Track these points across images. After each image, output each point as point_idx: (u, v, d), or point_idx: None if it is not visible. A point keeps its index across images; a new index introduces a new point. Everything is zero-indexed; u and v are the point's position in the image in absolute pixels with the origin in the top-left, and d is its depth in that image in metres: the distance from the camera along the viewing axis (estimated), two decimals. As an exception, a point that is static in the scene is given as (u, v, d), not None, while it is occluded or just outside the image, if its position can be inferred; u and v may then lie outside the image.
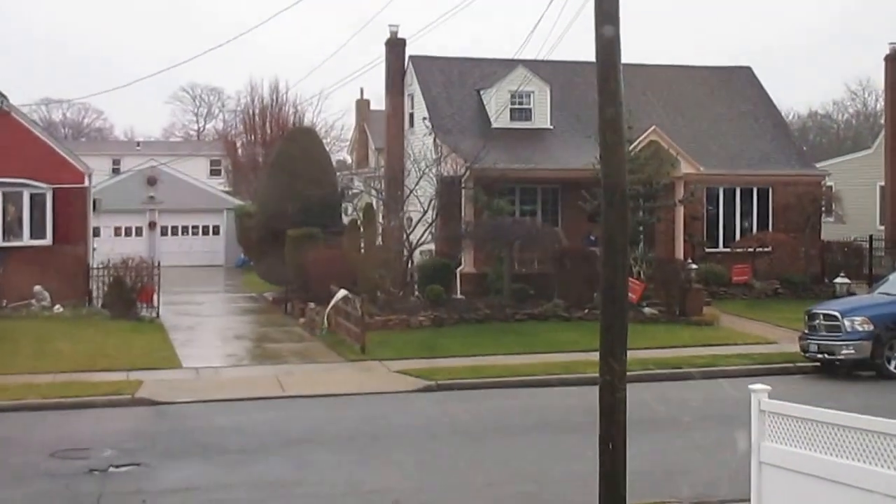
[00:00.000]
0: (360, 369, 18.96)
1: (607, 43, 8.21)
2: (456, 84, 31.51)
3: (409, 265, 26.20)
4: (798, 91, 77.19)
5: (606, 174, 8.40)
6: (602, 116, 8.38)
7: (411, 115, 31.91)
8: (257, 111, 48.40)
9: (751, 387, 9.03)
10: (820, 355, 18.73)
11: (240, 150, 50.29)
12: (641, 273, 25.29)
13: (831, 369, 18.85)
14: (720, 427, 13.74)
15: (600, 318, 8.49)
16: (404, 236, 26.13)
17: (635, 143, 26.59)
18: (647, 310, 24.61)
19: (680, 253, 28.11)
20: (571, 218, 27.91)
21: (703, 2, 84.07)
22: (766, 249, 29.97)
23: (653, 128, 27.92)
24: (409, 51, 31.82)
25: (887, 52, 35.46)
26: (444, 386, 17.36)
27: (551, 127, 30.32)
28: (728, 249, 30.37)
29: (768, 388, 8.95)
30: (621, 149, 8.32)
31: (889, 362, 18.18)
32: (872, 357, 18.19)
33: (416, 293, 25.55)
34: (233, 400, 16.17)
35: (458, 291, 26.35)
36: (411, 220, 26.71)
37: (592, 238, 26.16)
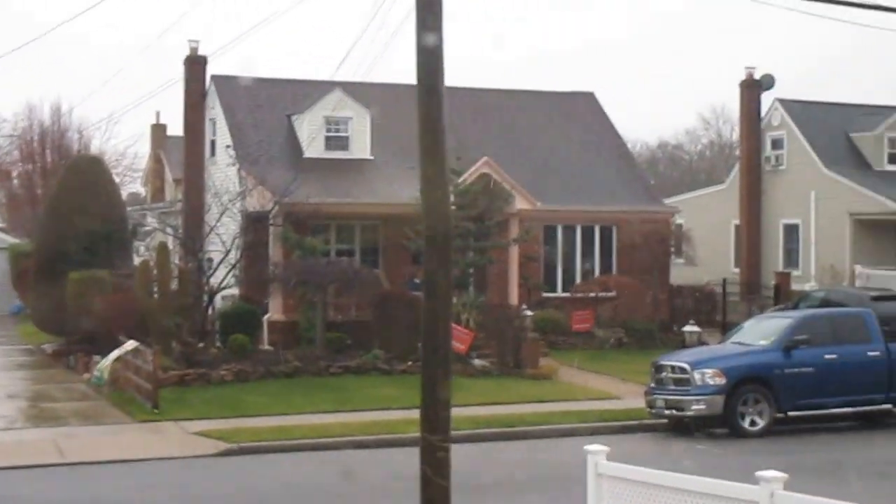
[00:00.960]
0: (152, 431, 18.64)
1: (430, 55, 8.31)
2: (265, 108, 31.27)
3: (210, 312, 25.87)
4: (646, 119, 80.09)
5: (427, 210, 8.51)
6: (422, 144, 8.50)
7: (213, 143, 31.59)
8: (36, 136, 46.50)
9: (587, 448, 9.22)
10: (668, 411, 19.47)
11: (16, 181, 48.15)
12: (471, 321, 25.61)
13: (681, 427, 19.66)
14: (555, 492, 14.15)
15: (421, 371, 8.54)
16: (203, 279, 25.69)
17: (465, 176, 26.98)
18: (477, 362, 24.95)
19: (514, 298, 28.68)
20: (394, 259, 28.07)
21: (542, 21, 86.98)
22: (609, 294, 30.91)
23: (485, 159, 28.44)
24: (212, 69, 31.57)
25: (743, 77, 37.23)
26: (247, 449, 17.24)
27: (372, 157, 30.48)
28: (568, 294, 31.20)
29: (606, 448, 9.15)
30: (444, 182, 8.45)
31: (743, 418, 19.05)
32: (725, 413, 18.99)
33: (218, 344, 25.21)
34: (2, 469, 15.58)
35: (266, 341, 26.09)
36: (212, 260, 26.22)
37: (417, 281, 26.21)
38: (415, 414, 8.58)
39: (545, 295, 31.04)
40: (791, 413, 19.52)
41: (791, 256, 36.70)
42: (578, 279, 31.65)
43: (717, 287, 33.75)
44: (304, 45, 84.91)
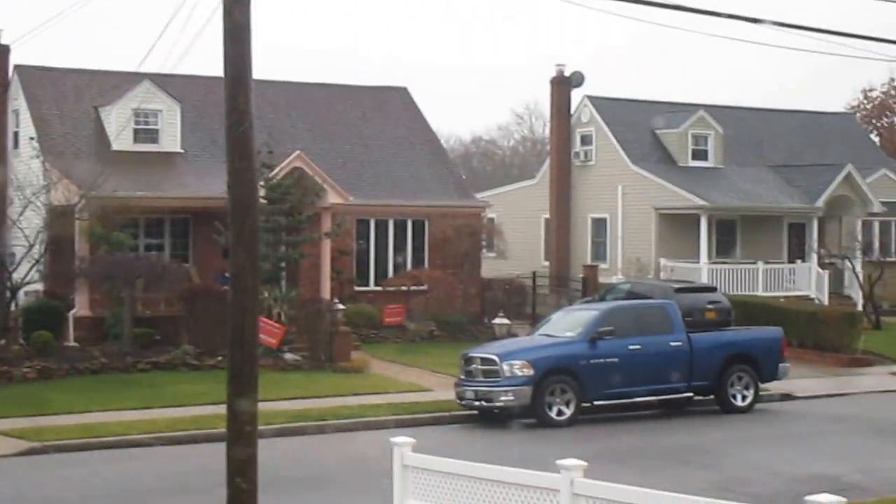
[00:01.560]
0: (-55, 434, 17.60)
1: (237, 44, 8.17)
2: (70, 99, 30.35)
3: (13, 308, 25.00)
4: (460, 115, 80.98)
5: (234, 204, 8.39)
6: (229, 137, 8.37)
7: (16, 135, 30.50)
8: None
9: (393, 440, 9.30)
10: (477, 403, 19.74)
11: None
12: (282, 315, 25.42)
13: (490, 418, 19.99)
14: (363, 484, 14.20)
15: (227, 364, 8.43)
16: (5, 274, 24.65)
17: (277, 170, 26.76)
18: (288, 356, 24.81)
19: (326, 292, 28.63)
20: (205, 253, 27.60)
21: (355, 16, 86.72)
22: (421, 288, 31.24)
23: (297, 153, 28.29)
24: (16, 59, 30.39)
25: (553, 74, 38.22)
26: (52, 448, 16.65)
27: (182, 150, 29.89)
28: (380, 288, 31.35)
29: (411, 440, 9.26)
30: (252, 176, 8.35)
31: (550, 409, 19.48)
32: (533, 403, 19.38)
33: (21, 340, 24.22)
34: None
35: (72, 338, 25.23)
36: (14, 255, 25.15)
37: (227, 275, 25.70)
38: (224, 409, 8.45)
39: (357, 289, 31.13)
40: (597, 402, 20.05)
41: (599, 250, 37.84)
42: (391, 273, 31.83)
43: (527, 280, 34.45)
44: (113, 37, 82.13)
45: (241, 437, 8.19)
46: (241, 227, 8.37)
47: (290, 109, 33.43)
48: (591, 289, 32.86)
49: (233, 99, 8.29)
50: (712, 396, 21.30)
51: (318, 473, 15.30)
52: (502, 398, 19.40)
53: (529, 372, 19.45)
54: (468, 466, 8.52)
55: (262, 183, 25.18)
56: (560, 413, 19.51)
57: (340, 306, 27.31)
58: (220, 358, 23.17)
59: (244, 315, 8.35)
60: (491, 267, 35.43)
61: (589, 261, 37.23)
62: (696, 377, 20.80)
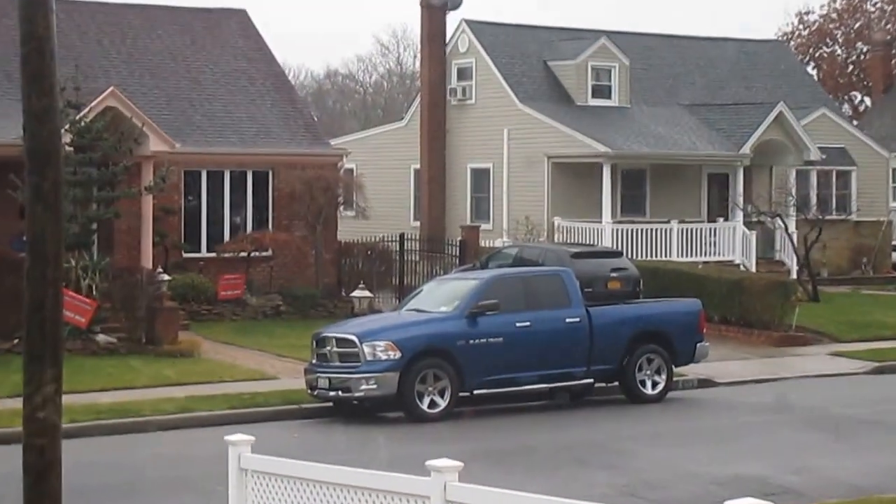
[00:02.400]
0: None
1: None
2: None
3: None
4: (312, 44, 79.58)
5: (32, 152, 8.36)
6: (25, 70, 8.32)
7: None
8: None
9: (228, 438, 9.42)
10: (333, 393, 19.98)
11: None
12: (94, 287, 25.23)
13: (348, 411, 20.32)
14: (192, 493, 14.31)
15: (24, 349, 8.45)
16: None
17: (86, 111, 26.44)
18: (101, 337, 24.74)
19: (148, 260, 28.55)
20: (-3, 212, 27.15)
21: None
22: (264, 254, 31.46)
23: (110, 89, 28.08)
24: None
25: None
26: None
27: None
28: (214, 254, 31.39)
29: (251, 438, 9.40)
30: (53, 117, 8.32)
31: (421, 399, 19.78)
32: (400, 393, 19.68)
33: None
34: None
35: None
36: None
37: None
38: (21, 404, 8.47)
39: (186, 256, 31.14)
40: (478, 391, 20.48)
41: (480, 207, 38.51)
42: (227, 236, 31.87)
43: (393, 244, 34.93)
44: None
45: (40, 437, 8.19)
46: (41, 180, 8.33)
47: (102, 37, 33.11)
48: (471, 254, 33.30)
49: (29, 23, 8.20)
50: (616, 383, 21.89)
51: (136, 480, 15.36)
52: (362, 387, 19.64)
53: (395, 355, 19.74)
54: (320, 470, 8.63)
55: (67, 126, 24.86)
56: (433, 405, 19.87)
57: (165, 277, 27.24)
58: (16, 341, 22.92)
59: (45, 288, 8.33)
60: (350, 228, 35.75)
61: (468, 221, 37.79)
62: (598, 360, 21.32)
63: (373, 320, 22.17)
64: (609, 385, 22.04)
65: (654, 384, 21.85)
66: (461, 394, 20.24)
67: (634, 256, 32.24)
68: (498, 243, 34.25)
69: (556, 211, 36.07)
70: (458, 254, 34.20)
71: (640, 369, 21.78)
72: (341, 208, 34.38)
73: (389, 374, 19.67)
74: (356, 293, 28.78)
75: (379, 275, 33.31)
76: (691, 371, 23.56)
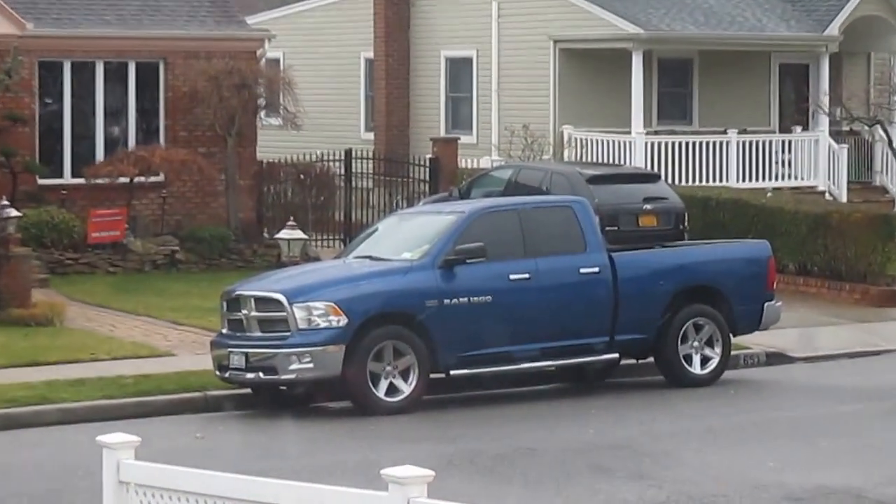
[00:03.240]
0: None
1: None
2: None
3: None
4: None
5: None
6: None
7: None
8: None
9: (102, 439, 9.34)
10: (251, 375, 19.96)
11: None
12: None
13: (277, 399, 20.47)
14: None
15: None
16: None
17: None
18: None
19: (-11, 188, 28.49)
20: None
21: None
22: (155, 179, 31.54)
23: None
24: None
25: None
26: None
27: None
28: (82, 180, 31.47)
29: (135, 439, 9.33)
30: None
31: (377, 384, 19.68)
32: (348, 376, 19.63)
33: None
34: None
35: None
36: None
37: None
38: None
39: (42, 182, 31.20)
40: (457, 372, 20.47)
41: (460, 112, 38.61)
42: (101, 155, 31.88)
43: (336, 165, 34.95)
44: None
45: None
46: None
47: None
48: (446, 179, 33.29)
49: None
50: (651, 359, 22.00)
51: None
52: (293, 366, 19.64)
53: (339, 321, 19.72)
54: (231, 482, 8.66)
55: None
56: (393, 391, 19.86)
57: (12, 213, 27.02)
58: None
59: None
60: (275, 143, 35.83)
61: (442, 131, 37.90)
62: (625, 327, 21.34)
63: (308, 272, 22.18)
64: (641, 362, 22.18)
65: (705, 360, 21.91)
66: (433, 375, 20.23)
67: (676, 181, 32.26)
68: (484, 163, 34.23)
69: (565, 117, 36.09)
70: (427, 178, 34.09)
71: (685, 340, 21.80)
72: (262, 114, 34.38)
73: (331, 349, 19.64)
74: (284, 234, 28.44)
75: (316, 208, 33.43)
76: (757, 341, 23.64)
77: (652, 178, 26.74)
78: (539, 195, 24.45)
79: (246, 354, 19.88)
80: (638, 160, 33.84)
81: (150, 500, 8.97)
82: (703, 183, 34.14)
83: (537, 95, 36.47)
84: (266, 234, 31.85)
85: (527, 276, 20.81)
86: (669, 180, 29.68)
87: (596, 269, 21.26)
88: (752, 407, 20.78)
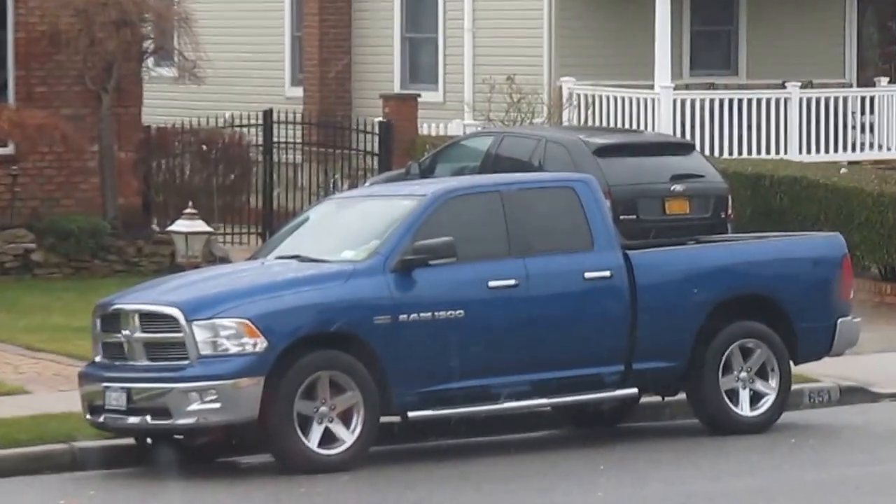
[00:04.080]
0: None
1: None
2: None
3: None
4: None
5: None
6: None
7: None
8: None
9: None
10: (135, 419, 19.91)
11: None
12: None
13: (168, 453, 20.23)
14: None
15: None
16: None
17: None
18: None
19: None
20: None
21: None
22: (1, 151, 31.76)
23: None
24: None
25: None
26: None
27: None
28: None
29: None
30: None
31: (307, 430, 19.68)
32: (267, 419, 19.58)
33: None
34: None
35: None
36: None
37: None
38: None
39: None
40: (416, 414, 20.41)
41: (420, 61, 39.05)
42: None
43: (252, 131, 35.44)
44: None
45: None
46: None
47: None
48: (402, 150, 33.31)
49: None
50: (682, 396, 22.09)
51: None
52: (193, 408, 19.55)
53: (257, 344, 19.66)
54: None
55: None
56: (331, 440, 19.84)
57: None
58: None
59: None
60: (168, 101, 36.50)
61: (397, 86, 38.29)
62: (646, 352, 21.39)
63: (213, 279, 21.93)
64: (668, 400, 22.38)
65: (756, 397, 21.93)
66: (384, 419, 20.28)
67: (716, 153, 32.26)
68: (454, 129, 34.29)
69: (564, 66, 36.26)
70: (375, 149, 34.06)
71: (729, 369, 21.84)
72: (150, 62, 34.55)
73: (245, 383, 19.57)
74: (180, 225, 28.41)
75: (225, 190, 33.66)
76: (827, 371, 23.77)
77: (683, 148, 26.72)
78: (529, 172, 24.31)
79: (128, 391, 19.78)
80: (664, 124, 33.89)
81: None
82: (754, 155, 34.15)
83: (526, 36, 36.51)
84: (156, 227, 31.80)
85: (512, 282, 20.82)
86: (706, 151, 29.65)
87: (606, 274, 21.30)
88: (821, 461, 20.67)
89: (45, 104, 31.92)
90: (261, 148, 34.46)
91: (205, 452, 20.52)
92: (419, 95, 36.20)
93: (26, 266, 30.38)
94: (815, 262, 22.72)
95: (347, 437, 19.84)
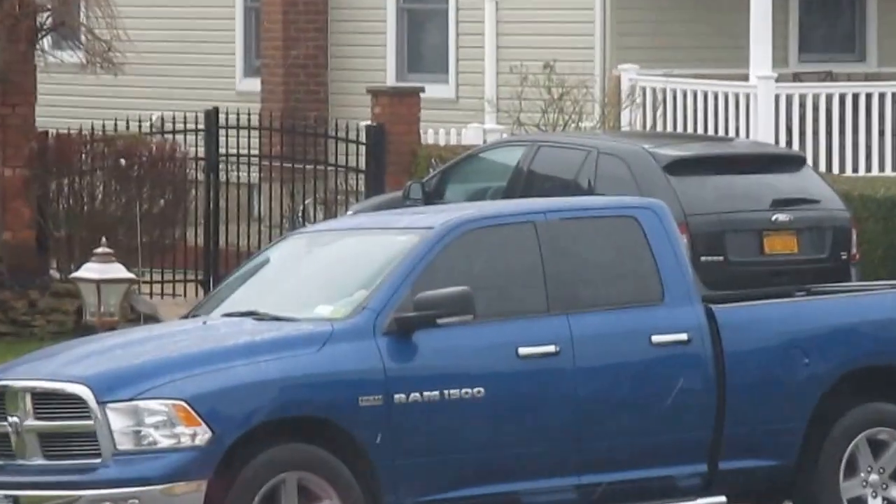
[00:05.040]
0: None
1: None
2: None
3: None
4: None
5: None
6: None
7: None
8: None
9: None
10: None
11: None
12: None
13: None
14: None
15: None
16: None
17: None
18: None
19: None
20: None
21: None
22: None
23: None
24: None
25: None
26: None
27: None
28: None
29: None
30: None
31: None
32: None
33: None
34: None
35: None
36: None
37: None
38: None
39: None
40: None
41: (423, 43, 39.31)
42: None
43: (191, 139, 36.24)
44: None
45: None
46: None
47: None
48: (399, 165, 33.48)
49: None
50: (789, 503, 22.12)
51: None
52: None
53: (197, 435, 19.58)
54: None
55: None
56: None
57: None
58: None
59: None
60: (73, 97, 37.29)
61: (391, 77, 38.81)
62: (738, 445, 21.49)
63: (134, 344, 21.77)
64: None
65: (893, 509, 22.00)
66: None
67: (835, 169, 32.34)
68: (471, 136, 34.49)
69: (624, 49, 36.44)
70: (361, 164, 34.24)
71: (853, 470, 21.86)
72: (46, 43, 34.82)
73: (180, 489, 19.49)
74: (89, 269, 28.66)
75: (152, 221, 33.81)
76: None
77: (789, 162, 26.78)
78: (575, 196, 24.41)
79: (16, 501, 19.93)
80: (762, 128, 34.06)
81: None
82: (888, 172, 34.30)
83: (572, 7, 36.74)
84: (55, 272, 31.85)
85: (552, 349, 20.82)
86: (822, 167, 29.75)
87: (682, 337, 21.36)
88: None
89: None
90: (202, 163, 34.62)
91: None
92: (422, 90, 36.33)
93: None
94: None
95: (323, 566, 20.05)
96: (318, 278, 21.62)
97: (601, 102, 35.55)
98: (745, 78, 34.83)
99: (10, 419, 19.93)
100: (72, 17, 34.37)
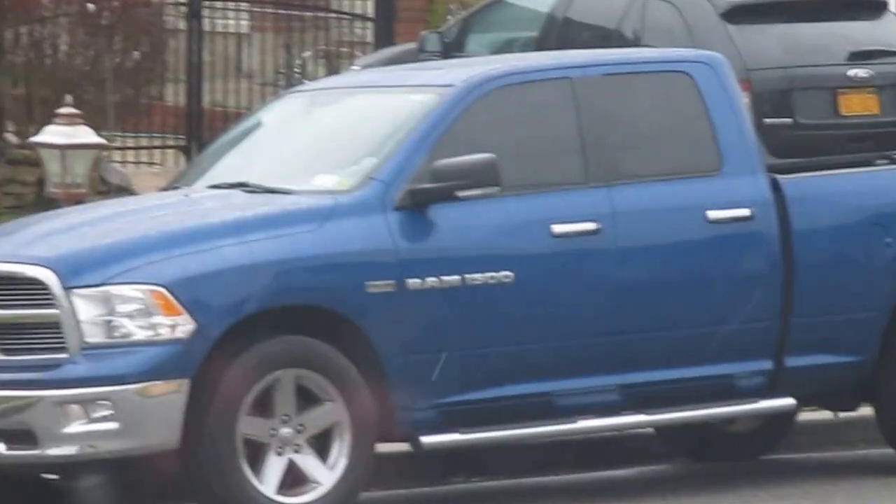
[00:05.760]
0: None
1: None
2: None
3: None
4: None
5: None
6: None
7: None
8: None
9: None
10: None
11: None
12: None
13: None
14: None
15: None
16: None
17: None
18: None
19: None
20: None
21: None
22: None
23: None
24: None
25: None
26: None
27: None
28: None
29: None
30: None
31: (258, 466, 19.73)
32: (192, 450, 19.55)
33: None
34: None
35: None
36: None
37: None
38: None
39: None
40: (432, 439, 20.42)
41: None
42: None
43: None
44: None
45: None
46: None
47: None
48: (412, 13, 33.52)
49: None
50: (869, 411, 22.34)
51: None
52: (73, 429, 19.60)
53: (177, 326, 19.70)
54: None
55: None
56: (298, 481, 19.98)
57: None
58: None
59: None
60: None
61: None
62: (806, 339, 21.65)
63: (104, 221, 21.92)
64: (843, 416, 22.56)
65: None
66: (383, 446, 20.43)
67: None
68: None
69: None
70: (368, 10, 34.36)
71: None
72: None
73: (158, 389, 19.64)
74: (52, 133, 28.80)
75: (125, 77, 33.87)
76: None
77: (869, 7, 26.75)
78: (619, 48, 24.50)
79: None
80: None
81: None
82: None
83: None
84: (11, 136, 31.94)
85: (591, 227, 20.96)
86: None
87: (744, 212, 21.51)
88: None
89: None
90: (183, 8, 34.75)
91: (93, 501, 20.33)
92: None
93: None
94: None
95: (324, 475, 19.93)
96: (319, 144, 21.67)
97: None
98: None
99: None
100: None
